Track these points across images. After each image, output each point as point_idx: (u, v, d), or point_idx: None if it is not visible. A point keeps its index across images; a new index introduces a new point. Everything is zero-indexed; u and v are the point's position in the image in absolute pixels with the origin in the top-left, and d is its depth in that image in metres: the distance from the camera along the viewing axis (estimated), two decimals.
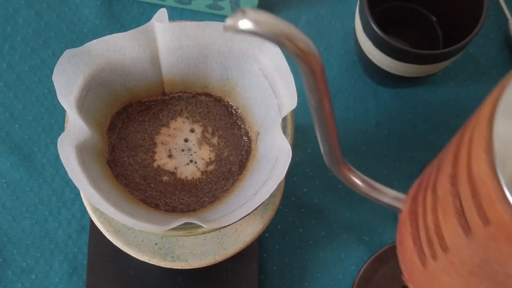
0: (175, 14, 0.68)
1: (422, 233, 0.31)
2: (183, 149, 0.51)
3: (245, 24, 0.25)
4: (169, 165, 0.51)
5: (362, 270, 0.60)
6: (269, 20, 0.26)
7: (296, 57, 0.27)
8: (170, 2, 0.67)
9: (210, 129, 0.52)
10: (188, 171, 0.51)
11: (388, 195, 0.40)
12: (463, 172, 0.26)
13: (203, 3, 0.66)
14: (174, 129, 0.52)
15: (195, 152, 0.51)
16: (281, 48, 0.27)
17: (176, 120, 0.52)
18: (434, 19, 0.65)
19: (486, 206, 0.25)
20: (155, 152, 0.51)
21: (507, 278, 0.27)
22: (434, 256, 0.30)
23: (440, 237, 0.29)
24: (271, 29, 0.26)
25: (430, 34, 0.65)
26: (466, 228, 0.27)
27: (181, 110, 0.52)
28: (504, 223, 0.25)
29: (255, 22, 0.25)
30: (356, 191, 0.38)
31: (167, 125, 0.52)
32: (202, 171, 0.51)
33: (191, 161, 0.51)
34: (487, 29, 0.69)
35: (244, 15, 0.26)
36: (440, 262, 0.29)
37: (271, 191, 0.44)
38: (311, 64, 0.27)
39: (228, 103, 0.52)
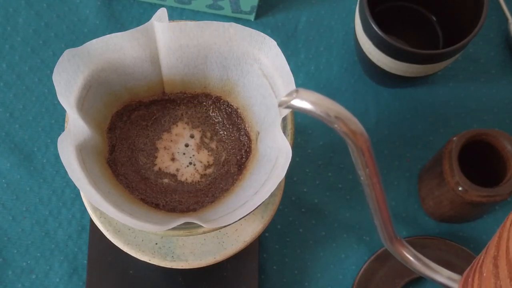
0: (175, 14, 0.68)
1: None
2: (184, 153, 0.51)
3: (302, 103, 0.27)
4: (171, 168, 0.51)
5: (362, 270, 0.60)
6: (324, 102, 0.27)
7: (346, 137, 0.28)
8: (170, 2, 0.67)
9: (208, 134, 0.52)
10: (188, 174, 0.51)
11: (443, 275, 0.40)
12: (503, 254, 0.27)
13: (203, 3, 0.66)
14: (176, 134, 0.52)
15: (193, 156, 0.51)
16: (332, 126, 0.29)
17: (177, 125, 0.52)
18: (434, 19, 0.65)
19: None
20: (156, 157, 0.51)
21: None
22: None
23: None
24: (326, 111, 0.27)
25: (430, 34, 0.65)
26: None
27: (182, 115, 0.52)
28: None
29: (312, 103, 0.27)
30: (411, 268, 0.38)
31: (168, 130, 0.52)
32: (201, 174, 0.51)
33: (190, 163, 0.51)
34: (487, 29, 0.69)
35: (299, 94, 0.27)
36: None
37: (271, 191, 0.44)
38: (360, 143, 0.28)
39: (228, 103, 0.52)
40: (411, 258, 0.37)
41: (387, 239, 0.37)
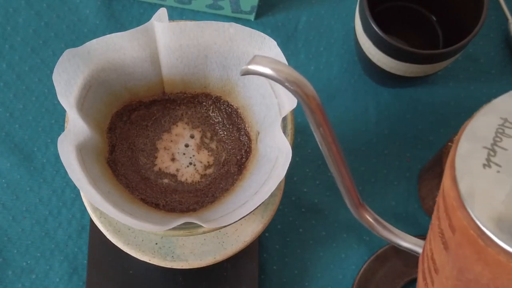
0: (175, 14, 0.68)
1: (425, 265, 0.33)
2: (184, 153, 0.51)
3: (260, 68, 0.31)
4: (171, 168, 0.51)
5: (362, 270, 0.60)
6: (281, 67, 0.30)
7: (300, 98, 0.31)
8: (170, 2, 0.67)
9: (208, 134, 0.52)
10: (188, 174, 0.51)
11: (408, 241, 0.40)
12: (441, 191, 0.30)
13: (203, 3, 0.66)
14: (176, 135, 0.52)
15: (193, 156, 0.51)
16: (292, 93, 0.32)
17: (177, 125, 0.52)
18: (434, 19, 0.65)
19: (452, 215, 0.30)
20: (156, 157, 0.51)
21: (473, 283, 0.29)
22: (432, 282, 0.33)
23: (433, 261, 0.32)
24: (283, 76, 0.31)
25: (430, 34, 0.65)
26: (445, 243, 0.31)
27: (182, 115, 0.52)
28: (464, 229, 0.29)
29: (271, 68, 0.31)
30: (377, 234, 0.38)
31: (168, 130, 0.52)
32: (201, 174, 0.51)
33: (190, 163, 0.51)
34: (487, 29, 0.69)
35: (256, 60, 0.31)
36: (436, 286, 0.32)
37: (271, 191, 0.44)
38: (312, 103, 0.31)
39: (228, 103, 0.52)
40: (375, 224, 0.38)
41: (352, 204, 0.37)
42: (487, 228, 0.28)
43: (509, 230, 0.27)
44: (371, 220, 0.37)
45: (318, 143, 0.34)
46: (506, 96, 0.31)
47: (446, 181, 0.30)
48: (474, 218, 0.28)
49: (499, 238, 0.27)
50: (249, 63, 0.31)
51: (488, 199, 0.28)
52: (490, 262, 0.28)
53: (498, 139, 0.30)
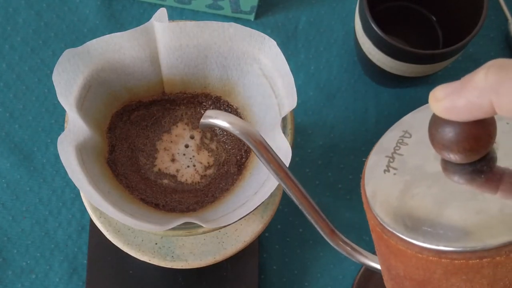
0: (175, 14, 0.68)
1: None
2: (184, 153, 0.51)
3: (222, 123, 0.35)
4: (171, 168, 0.51)
5: (362, 270, 0.60)
6: (230, 118, 0.35)
7: (249, 142, 0.35)
8: (170, 1, 0.67)
9: (208, 135, 0.52)
10: (188, 174, 0.51)
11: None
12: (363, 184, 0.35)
13: (203, 3, 0.66)
14: (176, 135, 0.52)
15: (193, 157, 0.51)
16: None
17: (177, 126, 0.52)
18: (434, 19, 0.65)
19: (368, 215, 0.33)
20: (155, 158, 0.51)
21: (398, 278, 0.32)
22: (386, 281, 0.35)
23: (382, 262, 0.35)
24: (232, 126, 0.35)
25: (430, 34, 0.65)
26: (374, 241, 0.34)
27: (182, 116, 0.52)
28: (374, 227, 0.33)
29: (229, 123, 0.35)
30: (356, 261, 0.40)
31: (168, 131, 0.52)
32: (201, 175, 0.51)
33: (190, 164, 0.51)
34: (487, 29, 0.69)
35: (209, 114, 0.36)
36: (388, 284, 0.35)
37: (271, 191, 0.44)
38: (258, 144, 0.36)
39: (228, 103, 0.52)
40: (352, 251, 0.39)
41: (324, 233, 0.39)
42: (385, 223, 0.31)
43: (403, 221, 0.31)
44: (348, 248, 0.39)
45: (277, 180, 0.37)
46: (411, 113, 0.35)
47: (362, 190, 0.34)
48: (376, 216, 0.32)
49: (395, 230, 0.31)
50: (202, 118, 0.36)
51: (386, 198, 0.32)
52: (396, 253, 0.31)
53: (397, 148, 0.34)
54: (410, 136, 0.34)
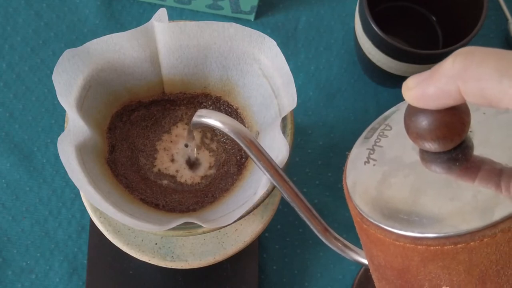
0: (175, 14, 0.68)
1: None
2: (184, 154, 0.51)
3: (213, 122, 0.36)
4: (170, 169, 0.51)
5: (362, 270, 0.60)
6: (222, 118, 0.36)
7: (239, 140, 0.36)
8: (170, 2, 0.67)
9: (209, 135, 0.52)
10: (188, 175, 0.51)
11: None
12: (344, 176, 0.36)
13: (202, 3, 0.66)
14: (176, 135, 0.52)
15: (194, 157, 0.51)
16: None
17: (177, 126, 0.52)
18: (434, 19, 0.65)
19: (349, 206, 0.34)
20: (155, 158, 0.51)
21: (381, 268, 0.33)
22: (372, 272, 0.36)
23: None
24: (224, 125, 0.36)
25: (430, 34, 0.65)
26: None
27: (182, 116, 0.52)
28: (355, 217, 0.34)
29: (221, 122, 0.36)
30: (349, 259, 0.40)
31: (168, 131, 0.52)
32: (201, 176, 0.51)
33: (191, 165, 0.51)
34: (487, 29, 0.69)
35: (201, 114, 0.37)
36: (374, 275, 0.36)
37: (266, 187, 0.44)
38: (247, 141, 0.36)
39: (228, 103, 0.52)
40: (345, 249, 0.40)
41: (317, 231, 0.39)
42: (364, 212, 0.32)
43: (380, 210, 0.31)
44: (339, 245, 0.40)
45: (268, 178, 0.37)
46: (394, 107, 0.36)
47: (343, 182, 0.35)
48: (356, 206, 0.33)
49: (373, 219, 0.32)
50: (194, 117, 0.36)
51: (365, 188, 0.33)
52: (376, 241, 0.32)
53: (378, 140, 0.35)
54: (391, 129, 0.35)
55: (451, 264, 0.29)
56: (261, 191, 0.44)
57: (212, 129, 0.52)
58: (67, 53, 0.46)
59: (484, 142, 0.31)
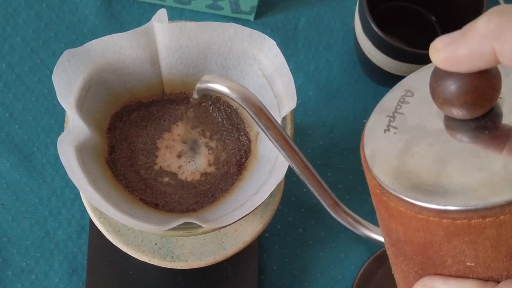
0: (175, 14, 0.68)
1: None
2: (184, 152, 0.51)
3: (220, 87, 0.34)
4: (172, 166, 0.51)
5: (362, 270, 0.60)
6: (230, 83, 0.34)
7: (247, 108, 0.35)
8: (170, 2, 0.67)
9: (208, 134, 0.52)
10: (188, 172, 0.51)
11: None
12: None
13: (202, 3, 0.66)
14: (178, 135, 0.52)
15: (194, 155, 0.51)
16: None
17: (177, 125, 0.52)
18: (434, 19, 0.65)
19: (367, 177, 0.32)
20: (156, 156, 0.51)
21: (399, 243, 0.31)
22: (388, 248, 0.34)
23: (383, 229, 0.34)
24: (232, 91, 0.34)
25: (430, 34, 0.65)
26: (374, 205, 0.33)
27: (182, 115, 0.52)
28: (373, 189, 0.31)
29: (228, 87, 0.34)
30: (358, 233, 0.38)
31: (169, 130, 0.52)
32: (201, 173, 0.51)
33: (191, 163, 0.51)
34: None
35: (206, 79, 0.35)
36: (389, 251, 0.34)
37: (271, 191, 0.44)
38: (256, 109, 0.35)
39: (227, 103, 0.52)
40: (355, 223, 0.38)
41: (327, 204, 0.37)
42: (384, 183, 0.30)
43: (402, 181, 0.29)
44: (350, 219, 0.38)
45: (277, 148, 0.36)
46: (413, 73, 0.34)
47: (361, 151, 0.33)
48: (375, 177, 0.31)
49: (394, 191, 0.29)
50: (199, 83, 0.34)
51: (385, 157, 0.31)
52: (396, 215, 0.30)
53: (398, 107, 0.32)
54: (412, 95, 0.33)
55: (478, 239, 0.28)
56: (266, 194, 0.44)
57: (212, 128, 0.52)
58: (67, 53, 0.46)
59: None
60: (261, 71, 0.48)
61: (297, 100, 0.45)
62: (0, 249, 0.61)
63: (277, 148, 0.35)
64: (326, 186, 0.37)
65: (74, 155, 0.44)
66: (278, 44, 0.47)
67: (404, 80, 0.34)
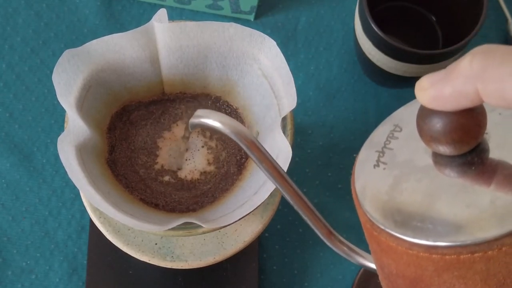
0: (175, 14, 0.68)
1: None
2: (184, 151, 0.51)
3: (212, 123, 0.34)
4: (171, 165, 0.51)
5: (362, 270, 0.60)
6: (221, 118, 0.35)
7: (241, 142, 0.35)
8: (170, 2, 0.67)
9: (208, 133, 0.52)
10: (187, 171, 0.51)
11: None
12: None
13: (202, 3, 0.66)
14: (176, 133, 0.52)
15: (193, 154, 0.51)
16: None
17: (177, 124, 0.52)
18: (434, 19, 0.65)
19: (358, 212, 0.33)
20: (157, 155, 0.51)
21: (392, 276, 0.32)
22: (381, 280, 0.35)
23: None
24: (223, 126, 0.34)
25: (430, 34, 0.65)
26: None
27: (181, 114, 0.52)
28: (364, 224, 0.32)
29: (221, 123, 0.34)
30: (354, 262, 0.39)
31: (169, 129, 0.52)
32: (201, 172, 0.51)
33: (191, 161, 0.51)
34: (487, 29, 0.69)
35: (200, 114, 0.35)
36: (383, 283, 0.35)
37: (271, 191, 0.44)
38: (248, 143, 0.35)
39: (228, 103, 0.52)
40: (350, 253, 0.38)
41: (321, 234, 0.37)
42: (374, 219, 0.31)
43: (392, 216, 0.30)
44: (345, 248, 0.38)
45: (270, 180, 0.36)
46: (402, 108, 0.34)
47: (352, 186, 0.33)
48: (366, 212, 0.31)
49: (385, 226, 0.30)
50: (192, 118, 0.35)
51: (375, 193, 0.31)
52: (387, 250, 0.30)
53: (387, 142, 0.33)
54: (401, 130, 0.33)
55: (468, 274, 0.28)
56: (266, 194, 0.44)
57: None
58: (67, 53, 0.46)
59: (501, 145, 0.30)
60: (261, 71, 0.48)
61: (297, 100, 0.45)
62: (0, 249, 0.61)
63: (270, 179, 0.36)
64: (320, 216, 0.37)
65: (74, 155, 0.44)
66: (278, 44, 0.47)
67: (394, 114, 0.35)
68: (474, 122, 0.28)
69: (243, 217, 0.44)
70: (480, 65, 0.26)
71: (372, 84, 0.67)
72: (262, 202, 0.44)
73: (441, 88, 0.28)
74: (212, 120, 0.35)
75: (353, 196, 0.33)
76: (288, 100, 0.46)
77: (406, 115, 0.34)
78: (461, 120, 0.28)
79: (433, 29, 0.65)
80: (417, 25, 0.66)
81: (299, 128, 0.64)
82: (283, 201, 0.62)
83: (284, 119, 0.48)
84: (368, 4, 0.57)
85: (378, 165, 0.32)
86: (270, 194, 0.44)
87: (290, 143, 0.46)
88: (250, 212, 0.44)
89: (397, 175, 0.31)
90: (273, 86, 0.47)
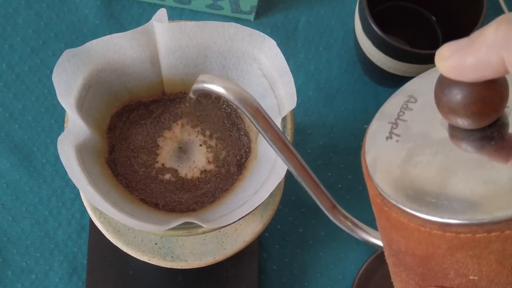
0: (175, 14, 0.68)
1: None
2: (184, 150, 0.51)
3: (216, 88, 0.33)
4: (173, 163, 0.51)
5: (362, 270, 0.60)
6: (227, 84, 0.33)
7: (246, 110, 0.33)
8: (170, 2, 0.67)
9: (208, 132, 0.52)
10: (188, 169, 0.51)
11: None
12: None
13: (202, 3, 0.66)
14: (176, 132, 0.52)
15: (193, 153, 0.51)
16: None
17: (177, 123, 0.52)
18: (434, 19, 0.65)
19: (368, 185, 0.31)
20: (157, 154, 0.51)
21: (400, 254, 0.30)
22: (388, 257, 0.34)
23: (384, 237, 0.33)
24: (228, 92, 0.33)
25: (430, 34, 0.65)
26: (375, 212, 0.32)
27: (182, 113, 0.52)
28: (374, 198, 0.31)
29: (225, 88, 0.32)
30: (356, 236, 0.37)
31: (169, 128, 0.52)
32: (201, 171, 0.51)
33: (191, 160, 0.51)
34: None
35: (203, 79, 0.33)
36: (389, 260, 0.33)
37: (271, 191, 0.44)
38: (253, 111, 0.33)
39: (227, 103, 0.52)
40: (353, 227, 0.37)
41: (325, 208, 0.36)
42: (385, 193, 0.29)
43: (404, 191, 0.28)
44: (348, 223, 0.37)
45: (274, 150, 0.35)
46: (415, 78, 0.33)
47: (362, 158, 0.32)
48: (376, 186, 0.30)
49: (396, 201, 0.29)
50: (196, 83, 0.33)
51: (387, 166, 0.30)
52: (398, 226, 0.29)
53: (401, 113, 0.32)
54: (416, 101, 0.32)
55: (482, 254, 0.27)
56: (266, 194, 0.44)
57: (212, 127, 0.52)
58: (67, 53, 0.46)
59: None
60: (261, 71, 0.48)
61: (297, 100, 0.45)
62: (0, 249, 0.61)
63: (274, 150, 0.34)
64: (324, 189, 0.36)
65: (74, 155, 0.44)
66: (278, 44, 0.47)
67: (406, 85, 0.33)
68: (496, 94, 0.27)
69: (243, 217, 0.44)
70: (506, 33, 0.25)
71: (372, 84, 0.67)
72: (262, 202, 0.44)
73: (463, 57, 0.26)
74: (216, 85, 0.33)
75: (363, 169, 0.31)
76: (288, 100, 0.46)
77: (420, 85, 0.32)
78: (483, 92, 0.27)
79: (433, 29, 0.65)
80: (417, 25, 0.66)
81: (299, 128, 0.64)
82: (283, 201, 0.62)
83: (284, 119, 0.48)
84: (368, 4, 0.57)
85: (390, 137, 0.31)
86: (270, 194, 0.44)
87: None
88: (250, 212, 0.44)
89: (411, 147, 0.30)
90: (273, 86, 0.47)
